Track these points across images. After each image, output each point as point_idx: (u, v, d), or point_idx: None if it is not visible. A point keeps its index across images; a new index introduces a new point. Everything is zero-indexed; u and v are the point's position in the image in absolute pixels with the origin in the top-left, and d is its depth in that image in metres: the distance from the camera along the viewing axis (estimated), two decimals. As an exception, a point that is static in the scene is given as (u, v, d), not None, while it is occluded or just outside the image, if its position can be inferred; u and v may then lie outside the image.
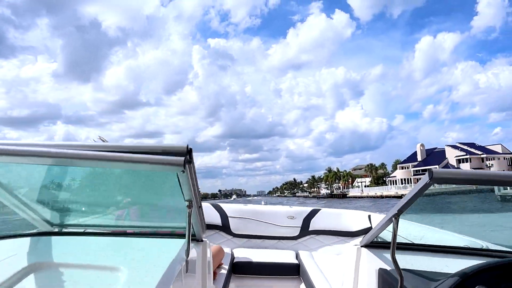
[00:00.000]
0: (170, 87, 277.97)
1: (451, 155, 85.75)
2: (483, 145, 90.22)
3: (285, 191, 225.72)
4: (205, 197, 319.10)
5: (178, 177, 1.43)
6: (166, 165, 1.30)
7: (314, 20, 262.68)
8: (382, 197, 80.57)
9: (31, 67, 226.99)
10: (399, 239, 2.05)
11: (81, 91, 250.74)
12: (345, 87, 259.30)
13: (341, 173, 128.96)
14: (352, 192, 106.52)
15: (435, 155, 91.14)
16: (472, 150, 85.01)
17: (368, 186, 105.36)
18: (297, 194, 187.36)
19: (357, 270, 2.04)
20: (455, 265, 1.57)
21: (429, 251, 2.12)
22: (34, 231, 2.03)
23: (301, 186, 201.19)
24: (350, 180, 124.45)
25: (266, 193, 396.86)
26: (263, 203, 4.61)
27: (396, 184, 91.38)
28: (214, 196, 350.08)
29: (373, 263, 1.87)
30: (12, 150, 1.30)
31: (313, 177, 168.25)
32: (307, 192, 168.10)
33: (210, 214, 3.97)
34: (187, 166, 1.32)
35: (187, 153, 1.31)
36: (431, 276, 1.60)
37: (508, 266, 1.47)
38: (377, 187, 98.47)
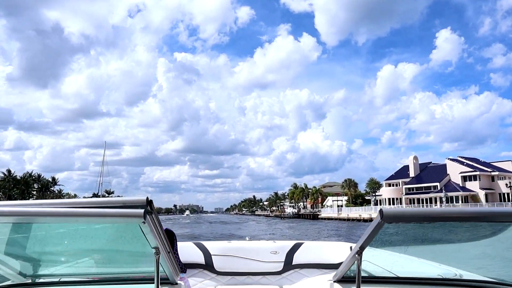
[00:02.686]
0: (132, 98, 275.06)
1: (454, 171, 66.51)
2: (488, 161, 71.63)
3: (244, 209, 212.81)
4: (158, 211, 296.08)
5: (141, 228, 1.51)
6: (126, 217, 1.39)
7: (281, 42, 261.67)
8: (366, 220, 59.74)
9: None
10: (373, 270, 2.52)
11: (37, 97, 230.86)
12: (308, 109, 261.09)
13: (310, 190, 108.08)
14: (325, 213, 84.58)
15: (431, 171, 71.78)
16: (479, 166, 66.29)
17: (344, 206, 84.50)
18: (256, 213, 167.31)
19: None
20: None
21: (399, 283, 2.27)
22: (7, 283, 2.09)
23: (261, 204, 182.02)
24: (319, 199, 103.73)
25: (223, 210, 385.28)
26: (247, 238, 4.35)
27: (381, 204, 71.16)
28: (168, 211, 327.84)
29: None
30: None
31: (275, 194, 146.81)
32: (268, 211, 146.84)
33: (193, 253, 3.89)
34: (147, 217, 1.41)
35: (147, 204, 1.41)
36: None
37: None
38: (359, 207, 76.83)
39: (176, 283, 2.25)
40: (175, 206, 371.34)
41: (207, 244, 3.96)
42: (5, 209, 1.44)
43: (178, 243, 3.45)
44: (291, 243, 3.96)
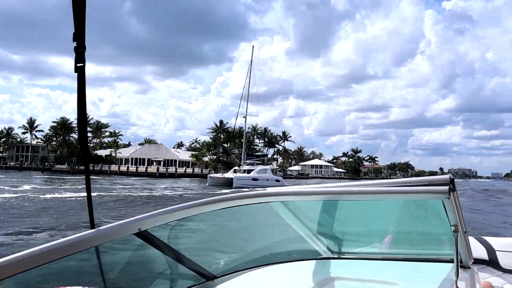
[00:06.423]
0: (399, 58, 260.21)
1: None
2: None
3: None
4: (419, 175, 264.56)
5: (443, 204, 1.64)
6: (432, 194, 1.52)
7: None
8: None
9: (269, 48, 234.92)
10: None
11: (311, 66, 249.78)
12: None
13: None
14: None
15: None
16: None
17: None
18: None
19: None
20: None
21: None
22: (319, 256, 2.48)
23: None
24: None
25: (502, 175, 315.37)
26: None
27: None
28: (431, 174, 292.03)
29: None
30: (305, 191, 1.79)
31: None
32: None
33: (475, 248, 3.50)
34: (451, 193, 1.50)
35: (451, 182, 1.51)
36: None
37: None
38: None
39: (469, 267, 2.20)
40: (441, 169, 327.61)
41: (490, 239, 3.61)
42: (316, 189, 1.73)
43: None
44: None
